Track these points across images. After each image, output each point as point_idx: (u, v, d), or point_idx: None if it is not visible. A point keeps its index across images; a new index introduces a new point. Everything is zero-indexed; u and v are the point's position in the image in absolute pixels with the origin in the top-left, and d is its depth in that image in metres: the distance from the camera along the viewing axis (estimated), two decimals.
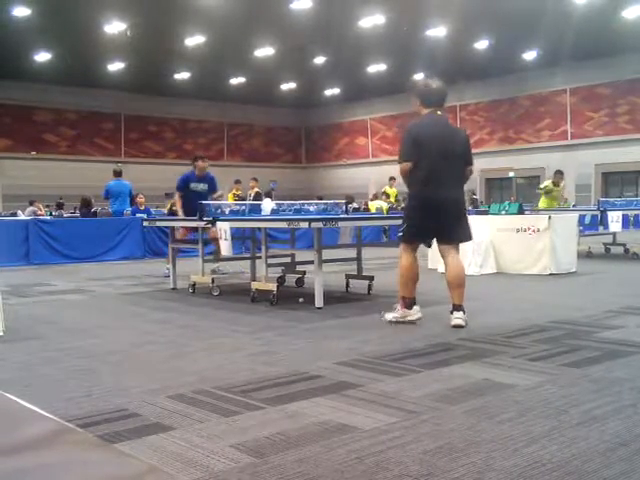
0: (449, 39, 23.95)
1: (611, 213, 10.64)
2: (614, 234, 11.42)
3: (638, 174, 28.00)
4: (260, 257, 6.77)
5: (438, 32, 23.36)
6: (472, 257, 8.57)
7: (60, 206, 20.82)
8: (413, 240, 5.20)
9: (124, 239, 12.39)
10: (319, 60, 27.84)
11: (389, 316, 5.17)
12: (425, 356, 4.03)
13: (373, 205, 18.05)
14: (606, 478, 2.18)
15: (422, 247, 5.47)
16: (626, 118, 27.99)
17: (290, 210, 7.90)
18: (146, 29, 22.28)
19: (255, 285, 6.70)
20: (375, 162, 35.98)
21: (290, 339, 4.68)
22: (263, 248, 6.52)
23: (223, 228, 6.67)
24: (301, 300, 6.49)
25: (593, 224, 12.02)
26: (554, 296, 6.76)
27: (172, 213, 13.68)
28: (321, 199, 20.61)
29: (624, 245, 11.45)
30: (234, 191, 16.14)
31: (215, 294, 7.12)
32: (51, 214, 19.27)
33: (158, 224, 10.53)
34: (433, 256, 8.21)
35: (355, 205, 20.71)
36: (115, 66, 27.34)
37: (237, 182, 16.28)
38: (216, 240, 6.98)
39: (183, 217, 8.62)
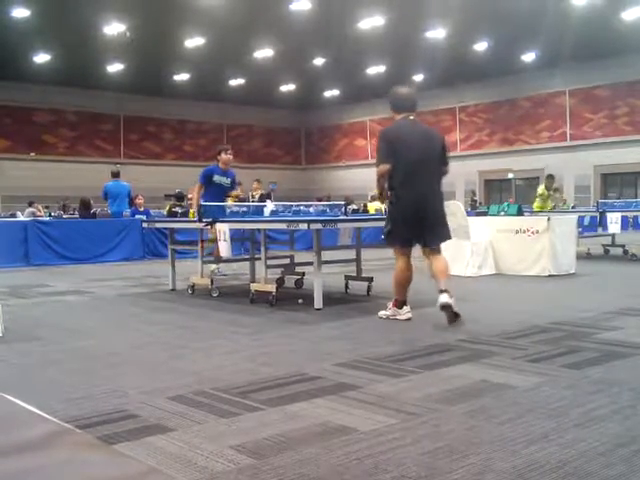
0: (448, 41, 23.95)
1: (610, 214, 10.65)
2: (613, 235, 11.42)
3: (637, 175, 28.02)
4: (259, 258, 6.78)
5: (437, 34, 23.37)
6: (471, 258, 8.57)
7: (65, 208, 20.71)
8: (402, 244, 5.39)
9: (123, 240, 12.39)
10: (318, 61, 27.84)
11: (381, 313, 5.53)
12: (424, 357, 4.03)
13: (372, 206, 18.05)
14: (605, 479, 2.18)
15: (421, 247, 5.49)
16: (625, 119, 28.01)
17: (289, 212, 7.89)
18: (146, 30, 22.29)
19: (254, 286, 6.70)
20: (374, 164, 35.85)
21: (289, 340, 4.68)
22: (262, 249, 6.52)
23: (222, 229, 6.66)
24: (300, 301, 6.49)
25: (592, 225, 12.04)
26: (553, 297, 6.77)
27: (172, 214, 13.69)
28: (329, 199, 20.65)
29: (623, 246, 11.46)
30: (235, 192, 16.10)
31: (214, 295, 7.11)
32: (50, 215, 19.26)
33: (157, 226, 10.52)
34: None
35: (354, 206, 20.69)
36: (114, 67, 27.34)
37: (238, 184, 16.24)
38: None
39: (196, 210, 8.04)
